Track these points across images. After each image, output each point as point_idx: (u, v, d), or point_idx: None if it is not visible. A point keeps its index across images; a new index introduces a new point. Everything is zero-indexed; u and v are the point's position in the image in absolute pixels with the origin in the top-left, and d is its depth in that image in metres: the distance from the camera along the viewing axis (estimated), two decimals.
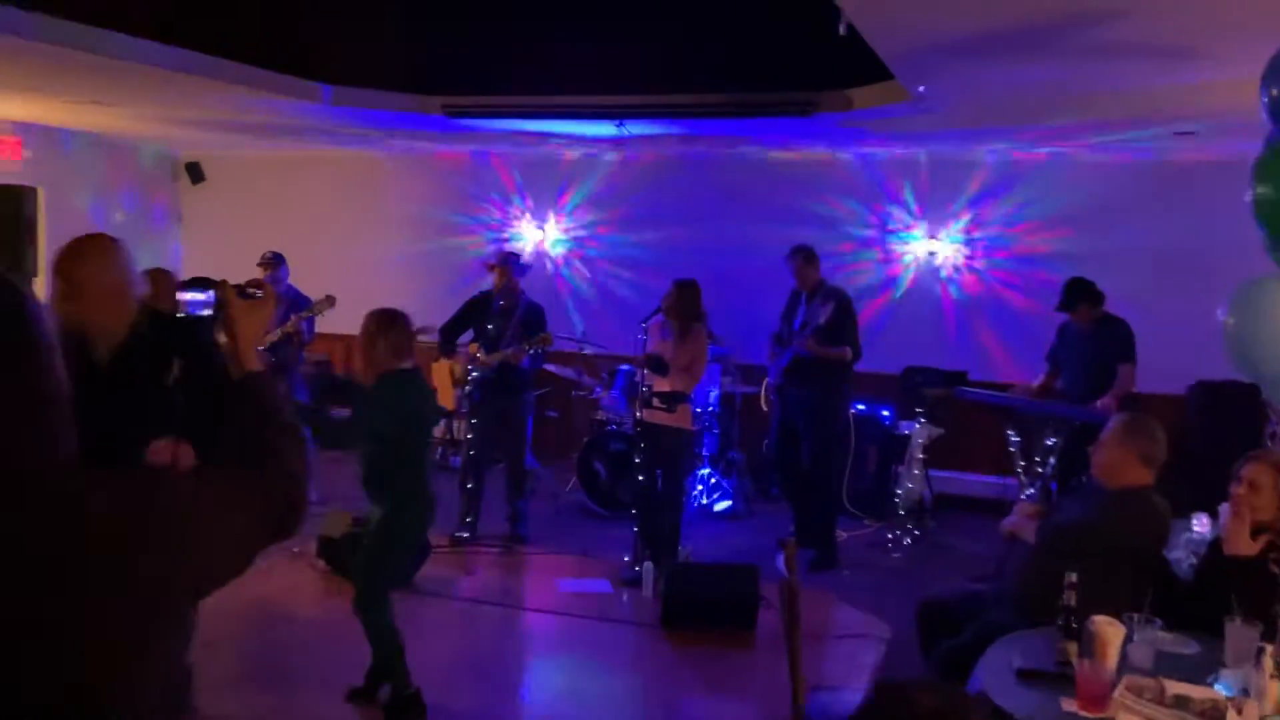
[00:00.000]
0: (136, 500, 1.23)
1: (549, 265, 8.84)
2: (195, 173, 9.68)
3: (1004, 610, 3.41)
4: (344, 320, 7.17)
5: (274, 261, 6.94)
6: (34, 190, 7.94)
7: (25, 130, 8.12)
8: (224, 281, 1.75)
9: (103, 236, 2.81)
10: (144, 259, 9.89)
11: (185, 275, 4.90)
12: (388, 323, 3.94)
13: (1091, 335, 5.97)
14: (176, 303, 1.76)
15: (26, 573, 1.14)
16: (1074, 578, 2.84)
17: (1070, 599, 2.83)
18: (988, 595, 3.74)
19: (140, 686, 1.27)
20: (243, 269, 4.90)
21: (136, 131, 8.66)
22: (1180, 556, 4.04)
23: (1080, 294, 5.96)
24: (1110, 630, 2.68)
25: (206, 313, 1.74)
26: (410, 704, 3.96)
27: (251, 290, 1.75)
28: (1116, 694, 2.58)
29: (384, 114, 6.83)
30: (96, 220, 8.89)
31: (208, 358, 1.75)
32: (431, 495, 4.05)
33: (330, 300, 6.28)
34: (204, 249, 9.37)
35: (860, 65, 5.24)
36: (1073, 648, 2.77)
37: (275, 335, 6.15)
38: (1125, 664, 2.74)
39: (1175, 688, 2.59)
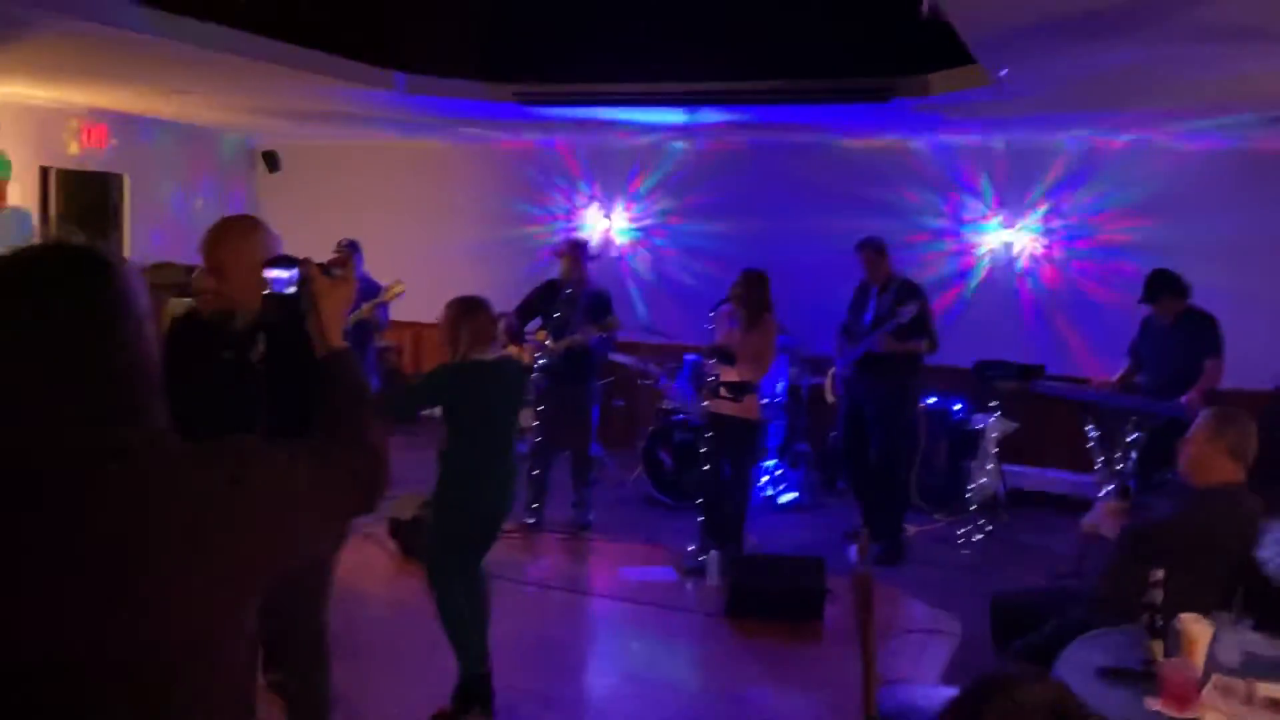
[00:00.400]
0: (233, 473, 1.25)
1: (615, 254, 8.84)
2: (272, 161, 9.87)
3: (1085, 608, 3.32)
4: (413, 309, 7.27)
5: (350, 249, 7.05)
6: (120, 177, 8.19)
7: (112, 118, 8.36)
8: (308, 259, 1.77)
9: (245, 218, 2.88)
10: None
11: None
12: (469, 310, 3.97)
13: (1175, 329, 5.76)
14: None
15: (117, 544, 1.16)
16: (1160, 575, 2.75)
17: (1156, 596, 2.74)
18: (1067, 592, 3.65)
19: (221, 665, 1.28)
20: (316, 257, 4.98)
21: (216, 120, 8.86)
22: (1270, 555, 3.89)
23: (1163, 286, 5.76)
24: (1198, 629, 2.60)
25: (291, 290, 1.76)
26: (475, 684, 3.94)
27: (334, 269, 1.76)
28: (1204, 694, 2.50)
29: (456, 102, 6.88)
30: (177, 207, 9.13)
31: (294, 334, 1.77)
32: (504, 479, 4.04)
33: (401, 287, 6.36)
34: (280, 235, 9.55)
35: (939, 49, 5.14)
36: (1158, 646, 2.69)
37: (349, 321, 6.24)
38: (1212, 664, 2.65)
39: (1265, 689, 2.50)
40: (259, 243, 2.66)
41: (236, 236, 2.71)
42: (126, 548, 1.16)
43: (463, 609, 3.93)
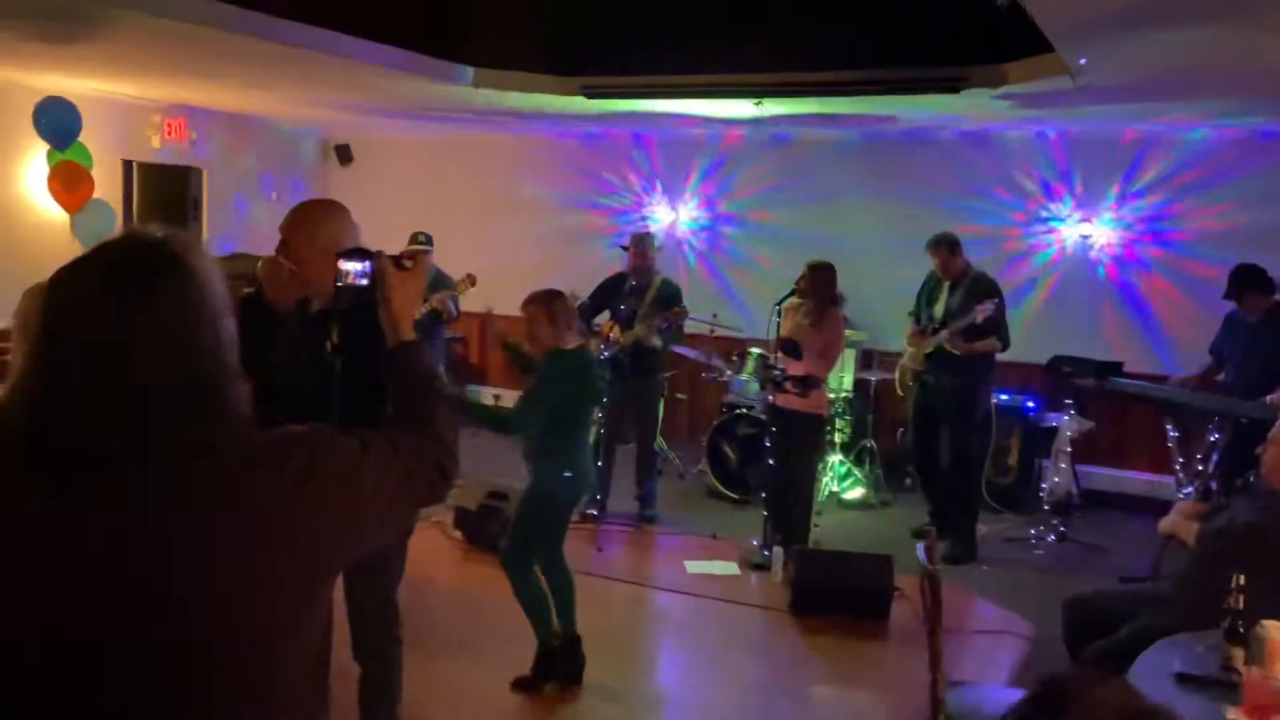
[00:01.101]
0: (308, 464, 1.27)
1: (682, 246, 8.82)
2: (344, 155, 10.06)
3: (1162, 613, 3.23)
4: (481, 300, 7.35)
5: (427, 242, 7.13)
6: (200, 171, 8.41)
7: (191, 113, 8.58)
8: (380, 252, 1.79)
9: (325, 201, 2.88)
10: None
11: None
12: (550, 301, 4.01)
13: (1260, 327, 5.56)
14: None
15: (202, 539, 1.19)
16: (1240, 580, 2.66)
17: (1237, 602, 2.65)
18: (1143, 596, 3.55)
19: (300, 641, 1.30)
20: (387, 249, 5.05)
21: (290, 115, 9.05)
22: None
23: (1248, 281, 5.55)
24: None
25: (365, 282, 1.79)
26: (551, 655, 4.08)
27: (406, 262, 1.79)
28: None
29: (525, 95, 6.92)
30: (252, 200, 9.35)
31: (366, 324, 1.79)
32: (585, 469, 4.14)
33: (471, 279, 6.43)
34: None
35: (1015, 38, 5.02)
36: (1239, 653, 2.60)
37: (421, 311, 6.34)
38: None
39: None
40: (337, 227, 2.66)
41: (315, 219, 2.72)
42: (211, 542, 1.18)
43: (539, 588, 4.06)
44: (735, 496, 6.91)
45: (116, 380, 1.17)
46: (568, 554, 5.70)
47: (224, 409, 1.24)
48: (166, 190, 8.17)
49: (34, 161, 7.26)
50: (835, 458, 7.17)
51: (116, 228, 7.28)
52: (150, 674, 1.18)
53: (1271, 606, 2.67)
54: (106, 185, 7.67)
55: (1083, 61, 4.72)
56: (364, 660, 3.01)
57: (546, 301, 4.02)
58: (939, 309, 6.01)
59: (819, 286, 5.59)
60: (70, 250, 6.82)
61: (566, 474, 4.01)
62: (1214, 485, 5.45)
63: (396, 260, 1.78)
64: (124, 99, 7.93)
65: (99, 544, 1.16)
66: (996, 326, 5.82)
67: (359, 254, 1.80)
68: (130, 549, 1.16)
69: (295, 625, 1.28)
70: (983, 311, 5.65)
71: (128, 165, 8.12)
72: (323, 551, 1.28)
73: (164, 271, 1.21)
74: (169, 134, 8.41)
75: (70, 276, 1.22)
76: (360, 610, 2.97)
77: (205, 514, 1.18)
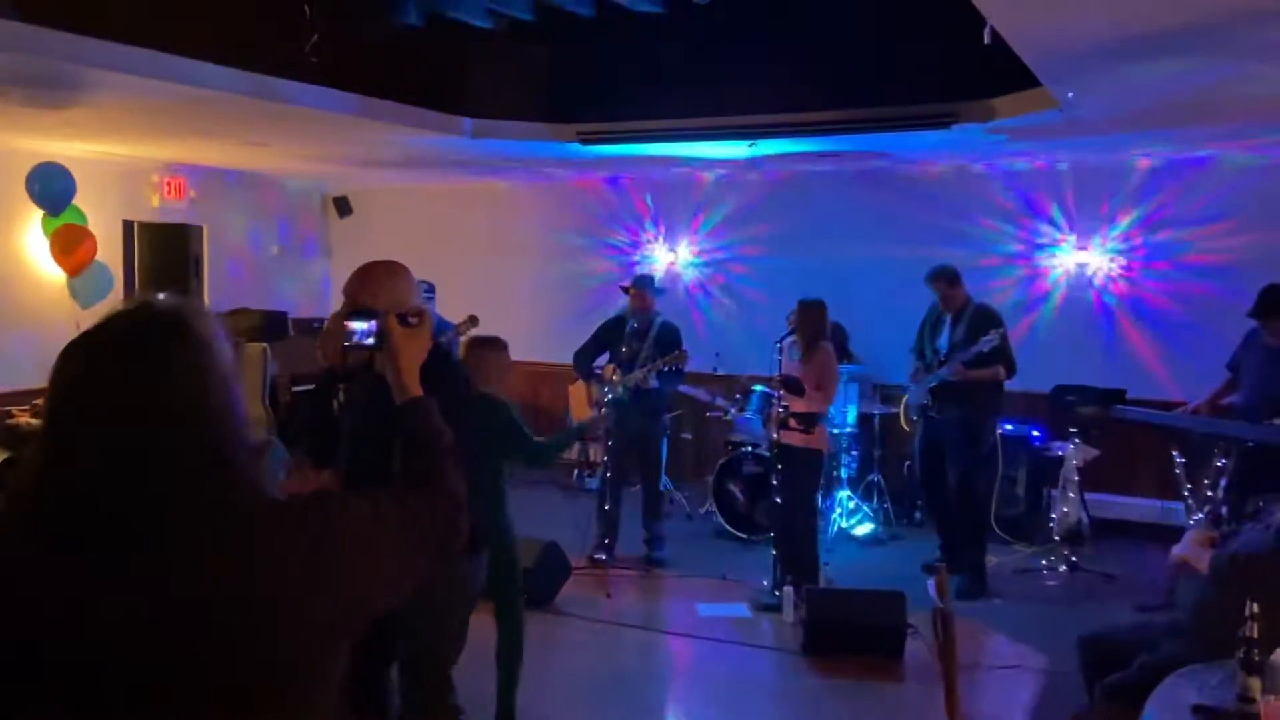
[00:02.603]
0: (320, 526, 1.28)
1: (681, 288, 8.87)
2: (343, 206, 10.13)
3: (1177, 643, 3.20)
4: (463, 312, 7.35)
5: (430, 291, 7.16)
6: (200, 228, 8.47)
7: (191, 171, 8.67)
8: (386, 310, 1.81)
9: (382, 262, 2.86)
10: (296, 291, 10.40)
11: (335, 306, 5.11)
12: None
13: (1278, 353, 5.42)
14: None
15: (215, 603, 1.19)
16: (1255, 608, 2.64)
17: (1252, 631, 2.63)
18: (1157, 627, 3.52)
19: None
20: None
21: (289, 169, 9.14)
22: None
23: (1276, 303, 5.40)
24: None
25: (371, 341, 1.80)
26: None
27: (411, 319, 1.80)
28: None
29: (521, 143, 7.00)
30: (253, 255, 9.41)
31: (375, 384, 1.81)
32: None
33: (473, 320, 6.46)
34: None
35: (1003, 73, 5.09)
36: (1256, 683, 2.57)
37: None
38: None
39: None
40: (400, 284, 2.70)
41: (377, 278, 2.74)
42: (225, 609, 1.19)
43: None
44: (744, 536, 6.88)
45: (129, 449, 1.18)
46: (577, 599, 5.70)
47: (236, 473, 1.25)
48: (168, 249, 8.23)
49: (31, 226, 7.31)
50: (843, 493, 7.15)
51: (115, 290, 7.32)
52: None
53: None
54: (107, 246, 7.71)
55: (1070, 95, 4.78)
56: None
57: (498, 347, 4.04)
58: (943, 342, 6.02)
59: (809, 323, 5.64)
60: (70, 313, 6.89)
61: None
62: (1224, 511, 5.43)
63: (402, 318, 1.79)
64: (122, 159, 8.01)
65: (113, 610, 1.16)
66: (1001, 355, 5.83)
67: (364, 314, 1.82)
68: (145, 616, 1.16)
69: (307, 689, 1.28)
70: (988, 342, 5.66)
71: (128, 225, 8.18)
72: (335, 612, 1.28)
73: (175, 340, 1.22)
74: (168, 193, 8.48)
75: (82, 348, 1.23)
76: (415, 687, 2.93)
77: (218, 579, 1.19)
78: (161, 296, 1.31)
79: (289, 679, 1.24)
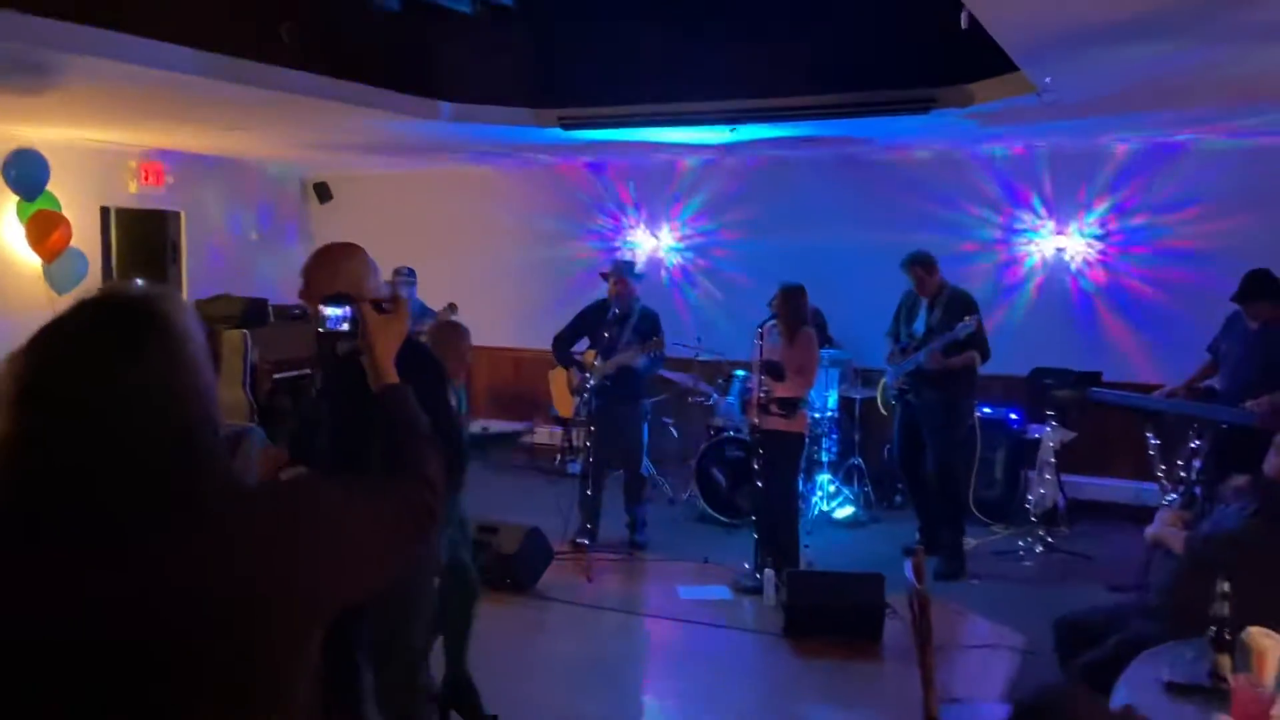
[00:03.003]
0: (293, 513, 1.28)
1: (663, 273, 8.88)
2: (323, 192, 10.08)
3: (1149, 622, 3.25)
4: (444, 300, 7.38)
5: (408, 276, 7.15)
6: (178, 214, 8.41)
7: (168, 157, 8.60)
8: (361, 296, 1.81)
9: (338, 245, 2.82)
10: (276, 276, 10.33)
11: None
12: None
13: (1261, 336, 5.43)
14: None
15: (190, 593, 1.19)
16: (1226, 586, 2.69)
17: (1223, 609, 2.67)
18: (1130, 607, 3.57)
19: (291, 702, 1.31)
20: None
21: (268, 155, 9.08)
22: None
23: (1263, 288, 5.40)
24: (1268, 643, 2.53)
25: (345, 327, 1.81)
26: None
27: (386, 305, 1.80)
28: (1276, 711, 2.43)
29: (502, 128, 6.98)
30: (232, 241, 9.35)
31: (350, 370, 1.81)
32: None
33: (453, 307, 6.45)
34: None
35: (981, 58, 5.11)
36: (1226, 661, 2.62)
37: None
38: None
39: None
40: (356, 265, 2.68)
41: (339, 260, 2.72)
42: (199, 595, 1.19)
43: None
44: (726, 520, 6.92)
45: (99, 437, 1.17)
46: (560, 583, 5.72)
47: (207, 459, 1.24)
48: (145, 235, 8.17)
49: (7, 213, 7.24)
50: (824, 476, 7.19)
51: (91, 276, 7.26)
52: None
53: (1258, 613, 2.69)
54: (84, 233, 7.65)
55: (1048, 80, 4.80)
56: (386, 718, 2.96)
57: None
58: (919, 326, 6.06)
59: (790, 308, 5.67)
60: (47, 300, 6.83)
61: None
62: (1198, 491, 5.49)
63: (377, 304, 1.79)
64: (98, 145, 7.94)
65: (86, 599, 1.16)
66: (976, 341, 5.87)
67: (339, 299, 1.82)
68: (117, 604, 1.16)
69: (285, 677, 1.28)
70: (964, 329, 5.70)
71: (105, 212, 8.12)
72: (310, 600, 1.28)
73: (143, 326, 1.21)
74: (145, 179, 8.41)
75: (49, 337, 1.22)
76: (385, 667, 2.92)
77: (192, 566, 1.19)
78: (131, 282, 1.30)
79: (266, 665, 1.24)
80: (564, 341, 6.58)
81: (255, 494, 1.29)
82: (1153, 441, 5.69)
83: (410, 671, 2.96)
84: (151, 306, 1.24)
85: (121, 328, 1.21)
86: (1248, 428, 5.03)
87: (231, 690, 1.21)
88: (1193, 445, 5.46)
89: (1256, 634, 2.56)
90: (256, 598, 1.21)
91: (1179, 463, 5.53)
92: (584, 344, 6.63)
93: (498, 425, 9.38)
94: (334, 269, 2.68)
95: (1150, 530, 3.61)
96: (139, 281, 1.30)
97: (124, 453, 1.18)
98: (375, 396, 1.70)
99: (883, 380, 6.44)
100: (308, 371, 2.54)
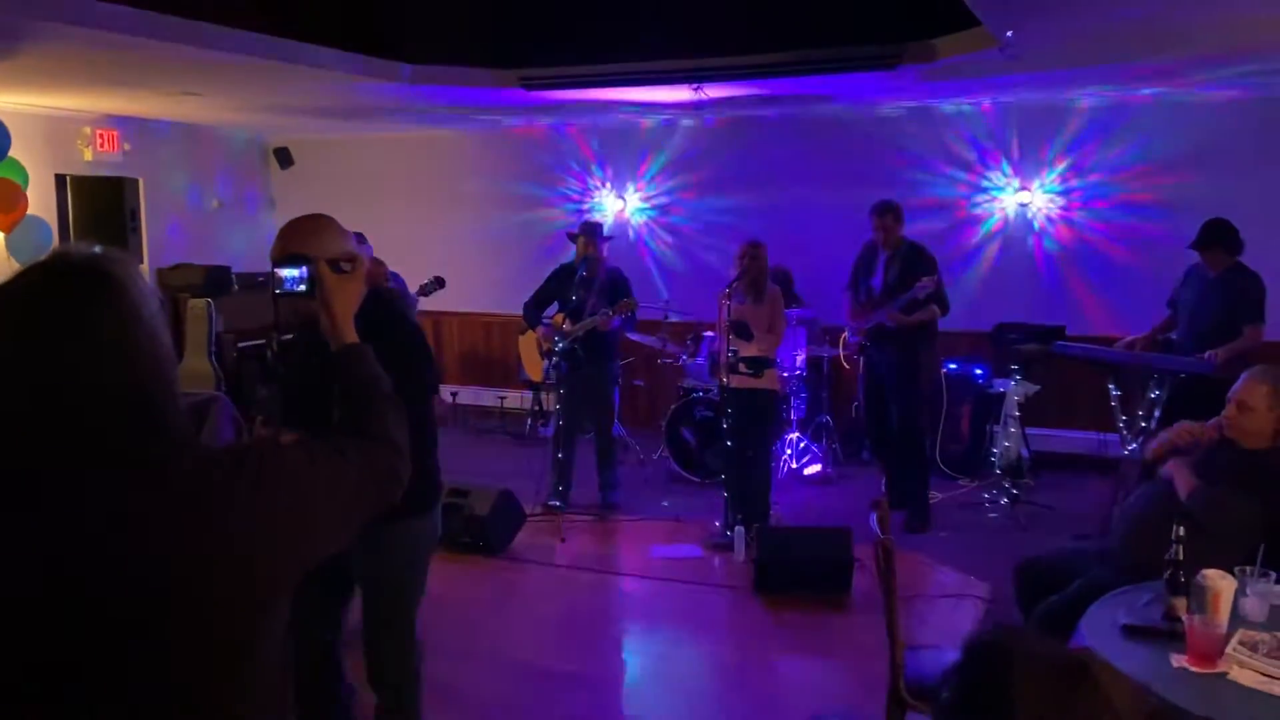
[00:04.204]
0: (253, 477, 1.27)
1: (630, 234, 8.85)
2: (284, 158, 9.93)
3: (1109, 568, 3.32)
4: (432, 298, 7.33)
5: (361, 240, 7.05)
6: (135, 181, 8.26)
7: (123, 123, 8.43)
8: (317, 256, 1.79)
9: (308, 217, 2.76)
10: (239, 245, 10.19)
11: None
12: None
13: (1218, 284, 5.50)
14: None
15: (152, 555, 1.19)
16: (1181, 530, 2.75)
17: (1177, 553, 2.74)
18: (1091, 552, 3.65)
19: (255, 670, 1.31)
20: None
21: (227, 120, 8.91)
22: None
23: (1218, 237, 5.46)
24: (1222, 584, 2.59)
25: (303, 288, 1.79)
26: None
27: (345, 265, 1.78)
28: (1229, 649, 2.50)
29: (463, 90, 6.89)
30: (192, 209, 9.21)
31: (310, 331, 1.80)
32: None
33: (439, 281, 6.35)
34: None
35: (944, 13, 5.10)
36: (1181, 603, 2.68)
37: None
38: (1237, 618, 2.65)
39: None
40: (326, 236, 2.61)
41: (308, 231, 2.65)
42: (159, 560, 1.18)
43: None
44: (697, 479, 6.97)
45: (52, 402, 1.16)
46: (532, 545, 5.76)
47: (164, 423, 1.23)
48: (103, 203, 8.01)
49: None
50: (793, 434, 7.25)
51: (53, 245, 7.13)
52: (97, 695, 1.18)
53: (1212, 554, 2.75)
54: (40, 201, 7.51)
55: (1010, 34, 4.81)
56: (378, 690, 2.97)
57: None
58: (877, 281, 6.08)
59: (758, 266, 5.69)
60: (6, 269, 6.70)
61: None
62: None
63: (334, 263, 1.77)
64: (52, 112, 7.76)
65: (39, 557, 1.15)
66: (935, 296, 5.92)
67: (295, 259, 1.80)
68: (77, 569, 1.16)
69: (250, 641, 1.28)
70: (923, 289, 5.75)
71: (60, 179, 7.96)
72: (274, 563, 1.28)
73: (92, 288, 1.20)
74: (101, 145, 8.25)
75: None
76: (375, 640, 2.93)
77: (150, 531, 1.18)
78: (84, 245, 1.28)
79: (223, 629, 1.24)
80: (534, 305, 6.56)
81: (215, 456, 1.28)
82: (1114, 393, 5.78)
83: (404, 645, 2.95)
84: (100, 268, 1.22)
85: (70, 290, 1.20)
86: (1205, 377, 5.12)
87: (188, 653, 1.21)
88: (1152, 396, 5.55)
89: (1211, 575, 2.62)
90: (213, 559, 1.21)
91: (1139, 413, 5.62)
92: (554, 307, 6.62)
93: (469, 391, 9.36)
94: (304, 239, 2.60)
95: (1166, 465, 3.50)
96: (86, 244, 1.28)
97: (74, 413, 1.17)
98: (334, 357, 1.69)
99: (844, 335, 6.52)
100: (261, 342, 2.51)
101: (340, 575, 2.89)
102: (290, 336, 2.85)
